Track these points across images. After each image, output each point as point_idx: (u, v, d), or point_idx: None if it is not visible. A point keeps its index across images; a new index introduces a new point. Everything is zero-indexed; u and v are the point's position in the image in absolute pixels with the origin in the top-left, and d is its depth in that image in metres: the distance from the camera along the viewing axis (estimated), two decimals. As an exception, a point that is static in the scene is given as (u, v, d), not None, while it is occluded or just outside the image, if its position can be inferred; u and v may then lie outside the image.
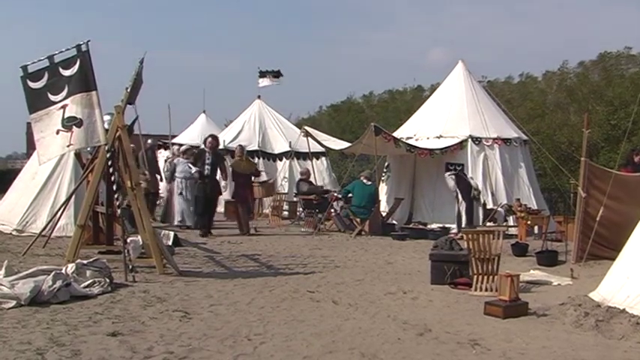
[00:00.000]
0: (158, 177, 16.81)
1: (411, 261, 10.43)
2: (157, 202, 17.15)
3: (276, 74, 19.93)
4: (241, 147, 14.91)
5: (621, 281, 6.32)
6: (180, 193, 14.73)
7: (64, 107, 8.00)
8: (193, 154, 14.61)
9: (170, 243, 10.24)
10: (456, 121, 15.71)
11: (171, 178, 15.06)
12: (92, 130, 8.04)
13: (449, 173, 14.19)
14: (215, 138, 14.02)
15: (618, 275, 6.49)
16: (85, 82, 8.06)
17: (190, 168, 14.05)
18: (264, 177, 17.04)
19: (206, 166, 13.26)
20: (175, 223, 14.61)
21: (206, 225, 13.32)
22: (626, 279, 6.26)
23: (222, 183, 13.93)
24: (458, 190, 13.98)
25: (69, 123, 7.95)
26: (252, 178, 14.67)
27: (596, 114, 23.49)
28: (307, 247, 11.89)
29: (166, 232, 10.91)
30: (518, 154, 15.70)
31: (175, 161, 15.18)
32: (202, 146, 14.61)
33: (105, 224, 9.46)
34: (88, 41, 8.11)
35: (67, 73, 8.08)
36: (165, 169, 16.15)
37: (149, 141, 17.51)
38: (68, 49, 8.11)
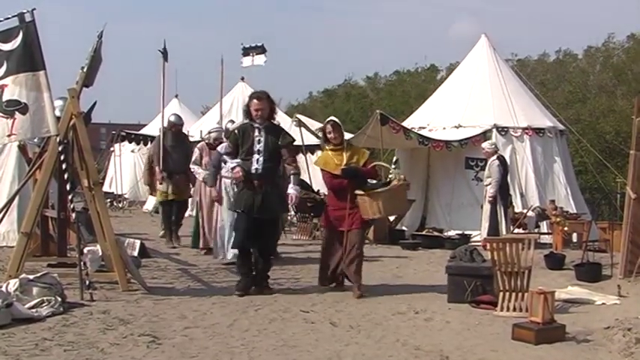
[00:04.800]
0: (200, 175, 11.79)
1: (423, 274, 10.45)
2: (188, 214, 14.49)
3: (261, 50, 19.84)
4: (335, 123, 8.95)
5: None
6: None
7: (2, 88, 7.96)
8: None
9: (136, 254, 10.25)
10: (477, 108, 15.77)
11: (214, 179, 10.61)
12: (40, 118, 7.99)
13: (493, 158, 13.39)
14: (265, 98, 8.62)
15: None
16: (30, 60, 8.01)
17: (227, 158, 8.87)
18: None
19: (255, 158, 8.43)
20: (229, 257, 10.50)
21: (247, 275, 8.64)
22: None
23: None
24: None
25: (10, 108, 7.88)
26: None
27: (649, 97, 23.58)
28: (300, 258, 11.89)
29: (131, 240, 10.90)
30: (554, 146, 15.77)
31: (221, 148, 10.22)
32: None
33: (56, 231, 9.44)
34: (34, 9, 8.06)
35: (6, 47, 8.01)
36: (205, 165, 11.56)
37: (171, 118, 13.44)
38: (8, 19, 8.02)
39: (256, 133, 8.49)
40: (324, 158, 8.93)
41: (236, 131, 8.88)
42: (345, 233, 8.51)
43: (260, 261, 8.70)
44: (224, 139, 10.87)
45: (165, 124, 13.54)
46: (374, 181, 8.99)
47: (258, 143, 8.45)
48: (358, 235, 8.58)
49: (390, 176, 9.21)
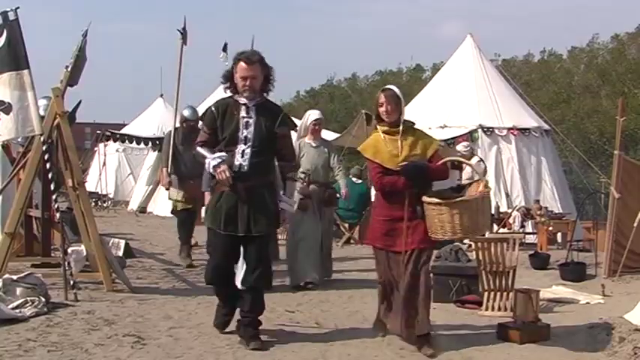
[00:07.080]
0: None
1: (410, 275, 10.44)
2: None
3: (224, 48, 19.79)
4: (393, 93, 6.15)
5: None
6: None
7: None
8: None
9: (120, 254, 10.19)
10: (463, 108, 15.83)
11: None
12: (24, 118, 7.97)
13: (476, 158, 13.42)
14: (257, 61, 6.02)
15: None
16: (14, 59, 7.98)
17: (203, 151, 6.09)
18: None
19: (241, 149, 5.98)
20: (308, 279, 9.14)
21: (230, 315, 6.46)
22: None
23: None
24: None
25: None
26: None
27: (633, 98, 23.72)
28: (285, 258, 11.85)
29: (116, 240, 10.85)
30: (539, 146, 15.86)
31: (300, 143, 9.22)
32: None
33: (40, 231, 9.39)
34: (17, 8, 8.04)
35: None
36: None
37: (184, 112, 10.75)
38: None
39: (243, 113, 5.97)
40: (375, 144, 6.12)
41: (214, 109, 6.12)
42: (403, 255, 5.97)
43: (247, 300, 6.10)
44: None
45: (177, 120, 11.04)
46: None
47: (246, 128, 5.94)
48: (423, 259, 6.01)
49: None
